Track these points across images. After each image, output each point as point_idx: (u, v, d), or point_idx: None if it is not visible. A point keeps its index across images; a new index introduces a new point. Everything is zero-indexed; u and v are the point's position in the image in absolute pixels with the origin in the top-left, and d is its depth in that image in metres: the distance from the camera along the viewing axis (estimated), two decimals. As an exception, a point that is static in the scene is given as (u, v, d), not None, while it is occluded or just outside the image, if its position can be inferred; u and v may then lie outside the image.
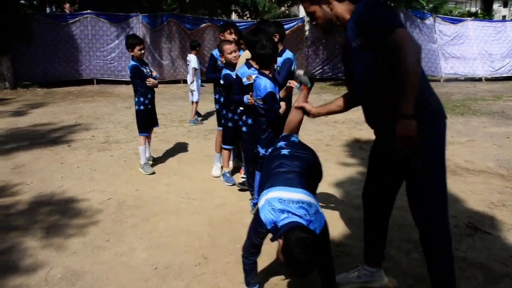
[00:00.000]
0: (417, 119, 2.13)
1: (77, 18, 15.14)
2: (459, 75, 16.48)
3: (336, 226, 3.84)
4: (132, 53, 5.34)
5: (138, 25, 15.45)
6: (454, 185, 4.83)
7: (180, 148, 6.75)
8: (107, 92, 13.79)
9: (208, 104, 9.72)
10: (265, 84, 3.83)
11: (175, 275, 3.13)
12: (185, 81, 13.39)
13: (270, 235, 2.49)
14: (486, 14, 20.28)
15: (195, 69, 8.75)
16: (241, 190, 4.81)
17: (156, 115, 5.80)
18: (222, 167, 5.29)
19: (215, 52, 5.37)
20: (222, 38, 5.30)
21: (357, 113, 9.12)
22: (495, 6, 22.85)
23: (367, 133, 7.29)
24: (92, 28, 15.21)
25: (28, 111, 10.21)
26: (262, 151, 3.98)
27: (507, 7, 51.67)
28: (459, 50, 16.44)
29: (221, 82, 4.94)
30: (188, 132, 7.88)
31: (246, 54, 4.60)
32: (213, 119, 5.62)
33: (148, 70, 5.49)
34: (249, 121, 4.37)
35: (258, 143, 4.03)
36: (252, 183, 4.28)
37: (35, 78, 14.76)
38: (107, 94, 13.24)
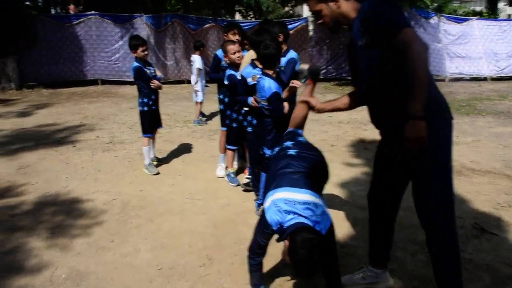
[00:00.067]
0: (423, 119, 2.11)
1: (82, 19, 15.18)
2: (464, 75, 16.40)
3: (341, 227, 3.83)
4: (135, 54, 5.33)
5: (142, 26, 15.46)
6: (460, 185, 4.80)
7: (185, 148, 6.75)
8: (112, 92, 13.81)
9: (213, 105, 9.71)
10: (269, 85, 3.82)
11: (179, 276, 3.13)
12: (189, 82, 13.38)
13: (276, 236, 2.49)
14: (491, 13, 20.16)
15: (199, 70, 8.74)
16: (245, 190, 4.80)
17: (160, 116, 5.79)
18: (226, 168, 5.28)
19: (219, 53, 5.36)
20: (226, 38, 5.30)
21: (362, 113, 9.08)
22: (500, 5, 22.73)
23: (372, 133, 7.26)
24: (97, 29, 15.24)
25: (33, 111, 10.24)
26: (268, 152, 3.97)
27: (512, 6, 51.32)
28: (464, 49, 16.35)
29: (225, 82, 4.93)
30: (192, 133, 7.88)
31: (250, 55, 4.59)
32: (218, 119, 5.61)
33: (152, 71, 5.47)
34: (254, 121, 4.36)
35: (264, 144, 4.02)
36: (257, 184, 4.27)
37: (40, 79, 14.80)
38: (112, 95, 13.27)
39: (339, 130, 7.96)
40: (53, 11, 21.73)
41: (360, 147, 6.72)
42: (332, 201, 4.44)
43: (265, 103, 3.91)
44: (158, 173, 5.43)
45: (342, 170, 5.50)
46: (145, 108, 5.44)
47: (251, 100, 4.16)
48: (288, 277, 3.06)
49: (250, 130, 4.42)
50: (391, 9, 2.26)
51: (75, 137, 7.46)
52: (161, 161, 5.91)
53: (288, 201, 2.39)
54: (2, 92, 13.61)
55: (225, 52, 4.86)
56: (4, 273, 3.17)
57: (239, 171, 5.42)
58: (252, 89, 4.15)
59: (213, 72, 5.44)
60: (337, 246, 2.73)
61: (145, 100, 5.42)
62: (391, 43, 2.22)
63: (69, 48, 15.09)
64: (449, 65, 16.15)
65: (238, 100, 4.43)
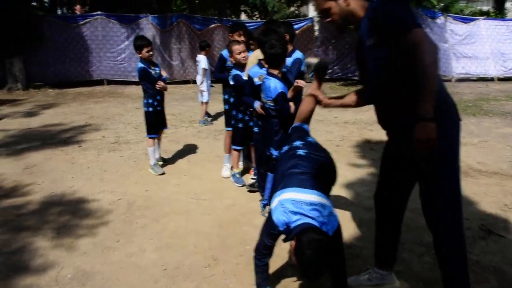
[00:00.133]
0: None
1: (88, 20, 15.23)
2: (471, 75, 16.32)
3: (347, 228, 3.80)
4: (140, 55, 5.32)
5: (148, 26, 15.50)
6: (467, 186, 4.76)
7: (190, 148, 6.76)
8: (117, 92, 13.85)
9: (218, 105, 9.69)
10: (275, 85, 3.81)
11: (184, 276, 3.13)
12: (194, 82, 13.40)
13: (282, 237, 2.47)
14: (499, 13, 20.04)
15: (205, 70, 8.74)
16: (250, 191, 4.79)
17: (165, 117, 5.78)
18: (232, 168, 5.27)
19: (224, 53, 5.36)
20: (231, 38, 5.29)
21: (368, 113, 9.10)
22: (508, 4, 22.57)
23: (378, 134, 7.23)
24: (103, 29, 15.29)
25: (39, 111, 10.29)
26: (275, 153, 3.96)
27: (519, 6, 51.03)
28: (470, 49, 16.26)
29: (231, 83, 4.93)
30: (198, 133, 7.89)
31: (255, 55, 4.58)
32: (223, 119, 5.60)
33: (157, 71, 5.46)
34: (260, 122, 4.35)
35: (271, 145, 4.00)
36: (263, 184, 4.25)
37: (46, 79, 14.87)
38: (117, 95, 13.30)
39: (344, 130, 7.94)
40: (59, 12, 21.82)
41: (365, 147, 6.69)
42: (338, 202, 4.42)
43: (271, 104, 3.90)
44: (163, 173, 5.43)
45: (348, 170, 5.47)
46: (150, 109, 5.44)
47: (257, 105, 4.15)
48: (294, 278, 3.05)
49: (257, 131, 4.41)
50: (399, 7, 2.24)
51: (81, 137, 7.48)
52: (166, 161, 5.92)
53: (295, 201, 2.37)
54: (9, 92, 13.69)
55: (231, 52, 4.86)
56: (10, 272, 3.18)
57: (245, 171, 5.41)
58: (259, 89, 4.14)
59: (219, 72, 5.44)
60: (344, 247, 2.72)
61: (150, 100, 5.41)
62: (399, 42, 2.21)
63: (75, 49, 15.15)
64: (456, 65, 16.08)
65: (244, 102, 4.42)
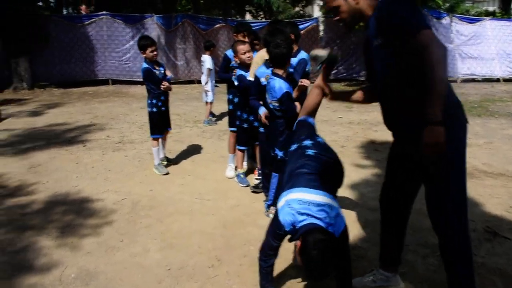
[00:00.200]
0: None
1: (93, 19, 15.27)
2: (476, 76, 16.25)
3: (351, 229, 3.76)
4: (144, 55, 5.31)
5: (153, 26, 15.52)
6: (472, 188, 4.73)
7: (194, 148, 6.76)
8: (122, 92, 13.87)
9: (222, 105, 9.70)
10: (280, 85, 3.80)
11: (188, 277, 3.12)
12: (199, 82, 13.34)
13: (288, 237, 2.46)
14: (505, 13, 19.95)
15: (210, 70, 8.74)
16: (254, 192, 4.78)
17: (170, 117, 5.77)
18: (236, 168, 5.27)
19: (229, 53, 5.35)
20: (236, 38, 5.29)
21: (372, 114, 9.08)
22: (514, 5, 22.48)
23: (383, 135, 7.22)
24: (108, 29, 15.32)
25: (44, 111, 10.32)
26: (280, 153, 3.95)
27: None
28: (476, 50, 16.19)
29: (235, 83, 4.92)
30: (202, 133, 7.89)
31: (260, 55, 4.58)
32: (228, 119, 5.60)
33: (162, 71, 5.45)
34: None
35: (276, 145, 3.99)
36: (267, 184, 4.24)
37: (51, 79, 14.92)
38: (122, 95, 13.33)
39: (349, 131, 7.92)
40: (64, 12, 21.90)
41: (370, 148, 6.67)
42: (343, 203, 4.39)
43: (276, 104, 3.89)
44: (167, 173, 5.44)
45: (352, 171, 5.46)
46: (154, 109, 5.43)
47: (262, 112, 4.15)
48: (298, 279, 3.04)
49: (262, 131, 4.40)
50: (404, 7, 2.21)
51: (86, 137, 7.50)
52: (171, 161, 5.91)
53: (303, 202, 2.35)
54: (14, 92, 13.75)
55: (235, 52, 4.85)
56: (14, 272, 3.19)
57: (249, 171, 5.40)
58: (265, 89, 4.13)
59: (223, 72, 5.43)
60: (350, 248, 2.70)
61: (154, 101, 5.41)
62: (404, 42, 2.19)
63: (81, 48, 15.19)
64: (461, 66, 16.01)
65: (251, 104, 4.40)
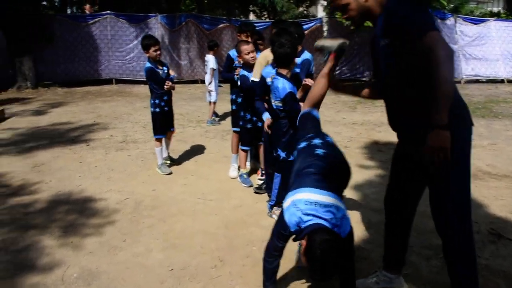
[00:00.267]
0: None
1: (97, 19, 15.29)
2: (481, 77, 16.20)
3: (355, 230, 3.70)
4: (147, 54, 5.31)
5: (157, 26, 15.53)
6: (476, 189, 4.72)
7: (197, 148, 6.75)
8: (126, 91, 13.89)
9: (226, 105, 9.70)
10: (283, 85, 3.78)
11: (191, 277, 3.11)
12: (203, 81, 13.40)
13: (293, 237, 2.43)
14: (510, 14, 19.86)
15: (213, 69, 8.74)
16: (256, 193, 4.77)
17: (173, 118, 5.76)
18: (239, 168, 5.26)
19: (232, 53, 5.35)
20: (239, 38, 5.28)
21: (376, 115, 9.06)
22: (518, 6, 22.37)
23: (386, 135, 7.20)
24: (112, 29, 15.34)
25: (48, 110, 10.34)
26: (282, 154, 3.93)
27: (530, 7, 50.50)
28: (480, 51, 16.15)
29: (238, 83, 4.91)
30: (205, 133, 7.88)
31: (264, 55, 4.56)
32: (231, 119, 5.58)
33: (165, 71, 5.44)
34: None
35: (278, 146, 3.98)
36: (271, 184, 4.22)
37: (55, 78, 14.94)
38: (126, 94, 13.34)
39: (352, 131, 7.90)
40: (69, 11, 21.95)
41: (374, 149, 6.65)
42: (346, 204, 4.33)
43: (280, 104, 3.88)
44: (170, 173, 5.43)
45: (356, 172, 5.42)
46: (157, 109, 5.42)
47: (265, 118, 4.14)
48: (302, 280, 3.03)
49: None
50: (412, 8, 2.19)
51: (89, 136, 7.50)
52: (174, 161, 5.90)
53: (309, 202, 2.32)
54: (18, 91, 13.77)
55: (239, 52, 4.83)
56: (17, 271, 3.18)
57: (252, 172, 5.39)
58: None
59: (226, 72, 5.42)
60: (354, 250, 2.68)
61: (157, 101, 5.40)
62: (404, 42, 2.18)
63: (85, 48, 15.22)
64: (465, 67, 15.97)
65: (256, 106, 4.37)
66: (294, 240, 2.41)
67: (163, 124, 5.53)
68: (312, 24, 16.46)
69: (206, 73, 9.02)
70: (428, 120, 2.11)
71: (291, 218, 2.33)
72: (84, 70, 15.35)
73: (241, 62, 4.91)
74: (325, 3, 21.44)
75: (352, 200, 4.56)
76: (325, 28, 16.81)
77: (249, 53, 4.71)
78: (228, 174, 5.38)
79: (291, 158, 3.90)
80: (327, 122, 8.42)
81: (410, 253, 3.21)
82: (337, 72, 16.24)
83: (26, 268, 3.22)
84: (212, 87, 8.78)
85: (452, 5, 16.88)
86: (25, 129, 8.07)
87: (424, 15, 2.18)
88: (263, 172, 4.87)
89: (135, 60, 15.54)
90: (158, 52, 5.29)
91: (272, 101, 3.97)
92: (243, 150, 5.14)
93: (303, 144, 2.83)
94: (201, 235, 3.79)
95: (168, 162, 5.76)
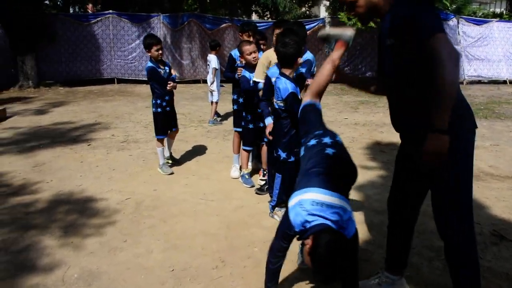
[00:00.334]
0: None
1: (99, 18, 15.30)
2: (483, 78, 16.17)
3: (356, 231, 3.76)
4: (149, 54, 5.29)
5: (159, 25, 15.53)
6: (478, 190, 4.70)
7: (199, 148, 6.74)
8: (127, 91, 13.89)
9: (228, 105, 9.69)
10: (285, 86, 3.76)
11: (191, 278, 3.10)
12: (205, 81, 13.41)
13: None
14: (512, 15, 19.87)
15: (215, 69, 8.74)
16: (258, 194, 4.75)
17: (176, 117, 5.74)
18: (241, 168, 5.24)
19: (234, 53, 5.34)
20: (241, 38, 5.27)
21: (378, 115, 9.04)
22: (521, 7, 22.34)
23: (388, 136, 7.18)
24: (114, 28, 15.35)
25: (49, 109, 10.34)
26: (283, 155, 3.91)
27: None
28: (483, 52, 16.12)
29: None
30: (207, 133, 7.87)
31: (266, 55, 4.55)
32: (232, 119, 5.57)
33: (167, 71, 5.41)
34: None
35: (279, 146, 3.96)
36: (273, 185, 4.21)
37: (57, 77, 14.96)
38: (127, 94, 13.34)
39: (355, 132, 7.87)
40: (71, 10, 21.98)
41: (376, 149, 6.63)
42: (347, 205, 4.37)
43: (281, 104, 3.86)
44: (172, 173, 5.42)
45: (358, 173, 5.41)
46: (158, 110, 5.40)
47: (267, 123, 4.13)
48: (303, 282, 3.01)
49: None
50: (422, 8, 2.17)
51: (90, 136, 7.50)
52: (176, 161, 5.88)
53: (316, 202, 2.27)
54: (20, 90, 13.78)
55: (241, 52, 4.82)
56: (17, 271, 3.17)
57: (254, 172, 5.38)
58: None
59: (229, 72, 5.41)
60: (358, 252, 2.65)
61: (158, 101, 5.38)
62: (404, 42, 2.17)
63: (87, 47, 15.23)
64: (467, 68, 15.94)
65: (261, 107, 4.35)
66: (298, 239, 2.38)
67: (164, 124, 5.51)
68: (315, 24, 16.43)
69: (208, 73, 9.01)
70: (428, 120, 2.10)
71: (296, 218, 2.28)
72: (86, 70, 15.36)
73: (243, 62, 4.90)
74: (327, 3, 21.44)
75: (354, 201, 4.53)
76: (327, 28, 16.80)
77: (250, 53, 4.69)
78: (230, 174, 5.37)
79: (292, 159, 3.88)
80: (329, 122, 8.39)
81: (411, 254, 3.19)
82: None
83: (26, 269, 3.21)
84: (214, 87, 8.77)
85: (455, 6, 16.87)
86: (26, 129, 8.07)
87: (433, 16, 2.15)
88: (265, 172, 4.85)
89: (137, 60, 15.54)
90: (160, 51, 5.27)
91: (274, 101, 3.96)
92: (245, 150, 5.12)
93: (312, 142, 2.73)
94: (202, 235, 3.77)
95: (170, 162, 5.75)
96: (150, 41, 5.22)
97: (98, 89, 14.24)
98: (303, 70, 4.17)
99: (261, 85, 4.52)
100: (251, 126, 4.92)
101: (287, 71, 3.82)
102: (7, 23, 13.65)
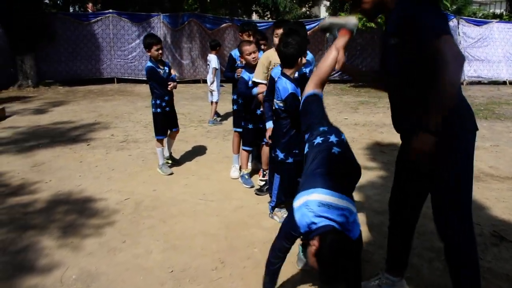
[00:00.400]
0: (447, 123, 2.04)
1: (99, 18, 15.30)
2: (483, 78, 16.17)
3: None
4: (149, 53, 5.27)
5: (159, 25, 15.52)
6: (478, 191, 4.69)
7: (199, 148, 6.73)
8: (127, 91, 13.88)
9: (228, 105, 9.68)
10: (285, 86, 3.74)
11: (191, 279, 3.08)
12: (205, 81, 13.41)
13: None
14: (512, 16, 19.87)
15: (215, 69, 8.73)
16: (258, 194, 4.74)
17: (176, 117, 5.71)
18: (240, 169, 5.23)
19: (234, 53, 5.33)
20: (241, 38, 5.26)
21: (378, 115, 9.03)
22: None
23: (388, 136, 7.17)
24: (114, 28, 15.35)
25: (49, 109, 10.32)
26: (281, 155, 3.90)
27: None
28: (483, 52, 16.12)
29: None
30: (207, 133, 7.86)
31: (266, 56, 4.53)
32: (232, 119, 5.56)
33: (166, 70, 5.39)
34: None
35: (277, 146, 3.94)
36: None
37: (57, 77, 14.95)
38: (127, 93, 13.33)
39: (354, 132, 7.86)
40: (71, 10, 21.96)
41: (376, 150, 6.61)
42: (347, 205, 4.36)
43: (281, 104, 3.84)
44: (171, 174, 5.40)
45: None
46: (158, 110, 5.38)
47: (268, 126, 4.13)
48: (303, 284, 3.00)
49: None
50: (429, 9, 2.16)
51: (90, 135, 7.48)
52: (176, 162, 5.87)
53: (322, 204, 2.24)
54: (19, 90, 13.77)
55: (241, 52, 4.80)
56: (15, 272, 3.16)
57: (253, 172, 5.36)
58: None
59: (229, 72, 5.40)
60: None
61: (158, 101, 5.36)
62: (404, 42, 2.16)
63: (86, 47, 15.23)
64: (467, 68, 15.93)
65: (264, 109, 4.34)
66: (302, 239, 2.36)
67: (164, 125, 5.49)
68: (315, 24, 16.37)
69: (208, 72, 9.00)
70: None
71: (302, 219, 2.25)
72: (85, 69, 15.36)
73: (243, 62, 4.88)
74: (327, 3, 21.42)
75: (354, 202, 4.52)
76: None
77: (250, 53, 4.67)
78: (230, 174, 5.35)
79: (290, 160, 3.87)
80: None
81: (411, 255, 3.17)
82: (338, 73, 16.21)
83: (25, 269, 3.19)
84: (214, 87, 8.76)
85: (455, 7, 16.86)
86: (25, 128, 8.05)
87: (434, 17, 2.14)
88: (265, 173, 4.84)
89: (137, 59, 15.54)
90: (160, 51, 5.25)
91: (274, 101, 3.95)
92: (245, 150, 5.11)
93: (318, 140, 2.67)
94: (202, 236, 3.76)
95: (170, 162, 5.73)
96: (150, 41, 5.21)
97: (98, 89, 14.23)
98: (306, 70, 4.16)
99: (255, 91, 4.52)
100: (250, 126, 4.90)
101: (288, 71, 3.80)
102: (6, 22, 13.63)
